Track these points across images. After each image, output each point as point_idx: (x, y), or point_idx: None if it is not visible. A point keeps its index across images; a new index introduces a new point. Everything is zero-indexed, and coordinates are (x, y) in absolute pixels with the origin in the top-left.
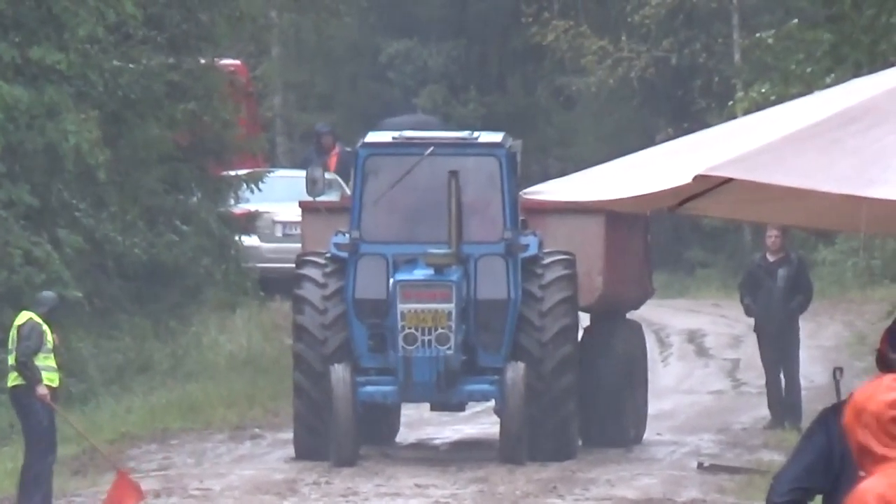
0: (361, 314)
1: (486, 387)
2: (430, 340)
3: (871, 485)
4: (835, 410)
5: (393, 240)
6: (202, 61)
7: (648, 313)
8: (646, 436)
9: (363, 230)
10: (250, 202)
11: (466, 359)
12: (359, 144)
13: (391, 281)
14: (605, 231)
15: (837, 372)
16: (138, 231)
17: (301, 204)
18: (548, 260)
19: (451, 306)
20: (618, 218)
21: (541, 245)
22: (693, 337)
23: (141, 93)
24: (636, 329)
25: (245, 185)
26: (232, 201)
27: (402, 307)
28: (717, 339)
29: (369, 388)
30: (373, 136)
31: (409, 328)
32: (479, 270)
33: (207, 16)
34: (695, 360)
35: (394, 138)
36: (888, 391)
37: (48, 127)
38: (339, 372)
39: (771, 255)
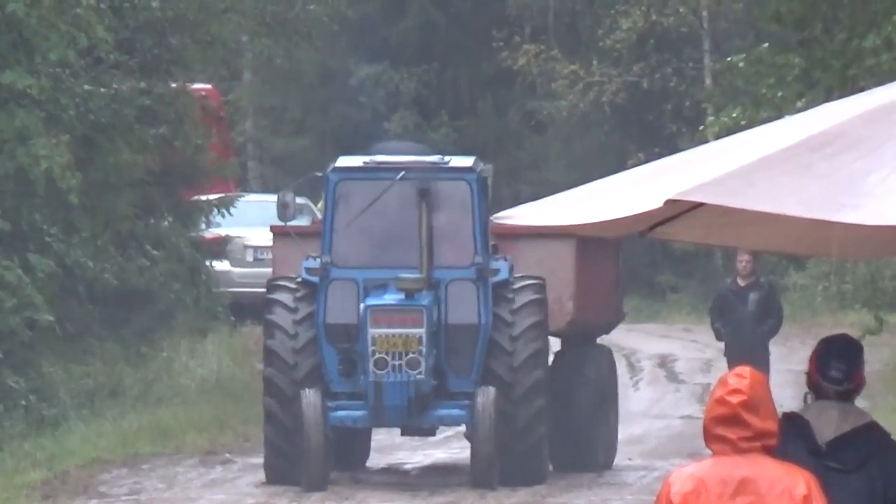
0: (332, 339)
1: (456, 412)
2: (400, 365)
3: (683, 467)
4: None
5: (364, 264)
6: (173, 86)
7: (619, 338)
8: (616, 461)
9: (334, 255)
10: (221, 227)
11: (437, 383)
12: (329, 169)
13: (362, 306)
14: (575, 256)
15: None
16: (109, 256)
17: (272, 228)
18: (518, 284)
19: (422, 331)
20: (589, 242)
21: (511, 270)
22: (664, 361)
23: (112, 117)
24: (607, 354)
25: (216, 210)
26: (203, 226)
27: (372, 332)
28: (687, 364)
29: (340, 413)
30: (343, 161)
31: (380, 353)
32: (449, 295)
33: (179, 40)
34: (665, 384)
35: (364, 163)
36: (715, 392)
37: (19, 151)
38: (310, 397)
39: (741, 280)
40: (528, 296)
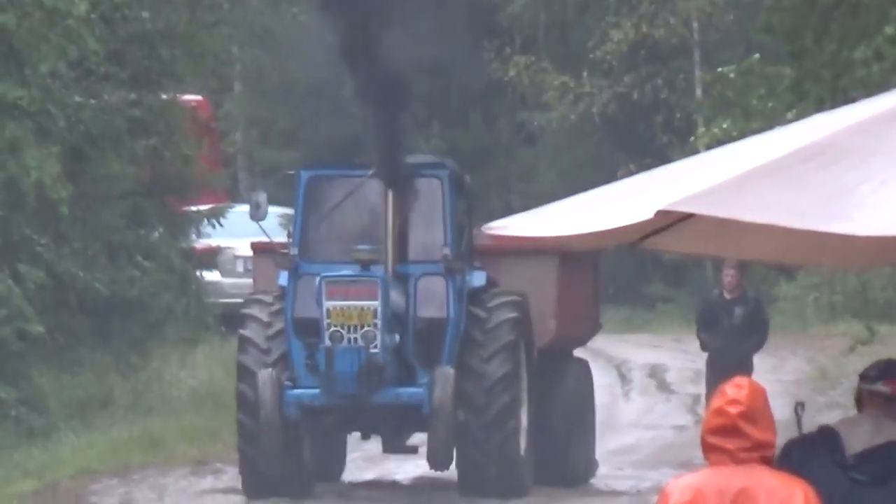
0: (300, 332)
1: (414, 390)
2: (355, 339)
3: (680, 478)
4: (799, 444)
5: (333, 260)
6: (164, 97)
7: (610, 348)
8: (607, 470)
9: (303, 249)
10: (212, 237)
11: (404, 374)
12: (301, 166)
13: (317, 278)
14: (558, 273)
15: (799, 407)
16: (100, 266)
17: (252, 245)
18: (494, 302)
19: (377, 303)
20: (570, 259)
21: (489, 282)
22: (654, 372)
23: (102, 128)
24: (584, 367)
25: (206, 221)
26: (193, 236)
27: (327, 304)
28: (678, 374)
29: (296, 391)
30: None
31: (335, 326)
32: (418, 290)
33: (169, 52)
34: (656, 394)
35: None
36: (713, 402)
37: (9, 162)
38: (265, 377)
39: (727, 293)
40: (504, 314)
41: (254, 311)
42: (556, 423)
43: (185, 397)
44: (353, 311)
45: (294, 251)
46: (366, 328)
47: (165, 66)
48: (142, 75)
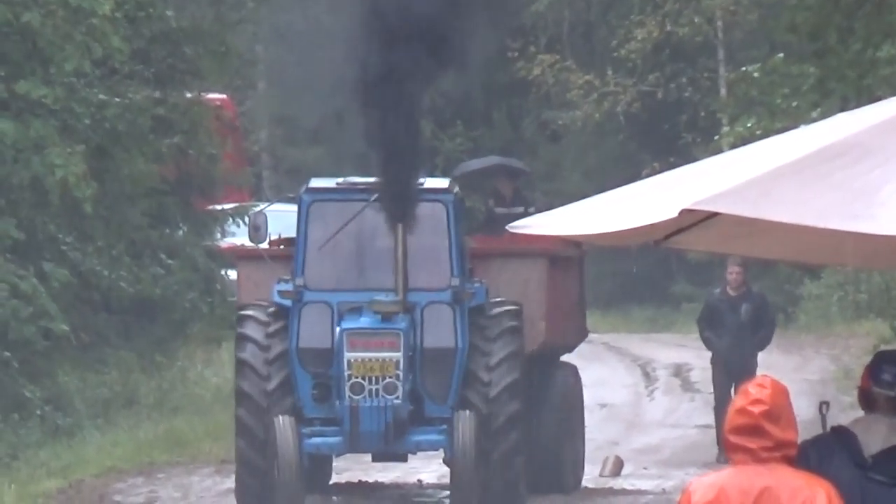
0: (305, 363)
1: (434, 437)
2: (377, 390)
3: (703, 476)
4: (814, 444)
5: (338, 287)
6: (188, 95)
7: (634, 347)
8: (632, 469)
9: (307, 277)
10: (236, 236)
11: (414, 408)
12: (302, 190)
13: (338, 329)
14: (547, 276)
15: (823, 406)
16: (124, 265)
17: (236, 251)
18: (494, 311)
19: (399, 355)
20: (558, 262)
21: (487, 294)
22: (679, 371)
23: (127, 127)
24: (573, 372)
25: (231, 219)
26: (218, 235)
27: (349, 356)
28: (703, 374)
29: (315, 440)
30: (317, 182)
31: (357, 377)
32: (425, 319)
33: (193, 50)
34: (681, 394)
35: (338, 184)
36: (736, 401)
37: (34, 161)
38: (284, 424)
39: (732, 291)
40: (505, 323)
41: (249, 330)
42: (544, 429)
43: (209, 396)
44: (374, 364)
45: (299, 280)
46: (387, 380)
47: (190, 65)
48: (166, 74)
